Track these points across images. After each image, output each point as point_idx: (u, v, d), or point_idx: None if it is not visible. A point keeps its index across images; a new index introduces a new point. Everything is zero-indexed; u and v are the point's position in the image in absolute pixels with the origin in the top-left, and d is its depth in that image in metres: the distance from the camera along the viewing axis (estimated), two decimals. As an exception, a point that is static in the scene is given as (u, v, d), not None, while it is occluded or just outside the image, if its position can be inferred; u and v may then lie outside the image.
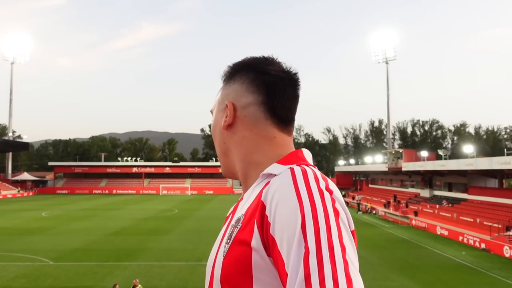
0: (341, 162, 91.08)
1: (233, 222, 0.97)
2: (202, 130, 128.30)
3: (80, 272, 19.36)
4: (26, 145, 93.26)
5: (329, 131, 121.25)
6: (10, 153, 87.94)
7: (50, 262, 21.38)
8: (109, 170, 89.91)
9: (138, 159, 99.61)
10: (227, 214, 1.14)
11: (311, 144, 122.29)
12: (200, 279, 18.39)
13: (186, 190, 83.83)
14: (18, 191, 77.09)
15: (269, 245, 0.83)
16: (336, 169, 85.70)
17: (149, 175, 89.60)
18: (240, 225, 0.91)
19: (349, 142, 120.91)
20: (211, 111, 1.19)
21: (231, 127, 1.08)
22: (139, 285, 13.47)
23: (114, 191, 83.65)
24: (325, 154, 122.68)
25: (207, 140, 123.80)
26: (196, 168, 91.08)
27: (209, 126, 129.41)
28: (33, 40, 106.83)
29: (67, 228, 33.61)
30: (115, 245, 26.07)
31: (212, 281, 0.96)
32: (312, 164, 1.03)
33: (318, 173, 0.92)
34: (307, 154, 1.08)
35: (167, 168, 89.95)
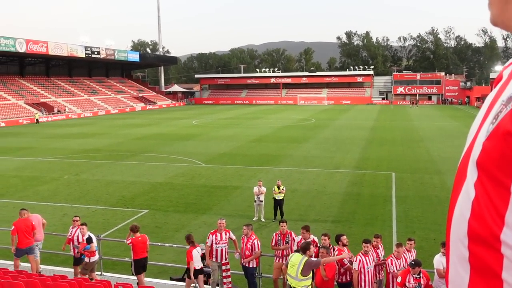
0: (498, 67, 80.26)
1: (504, 98, 0.77)
2: (338, 38, 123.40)
3: (228, 174, 21.19)
4: (174, 59, 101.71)
5: (485, 32, 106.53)
6: (162, 67, 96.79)
7: (202, 164, 23.76)
8: (248, 81, 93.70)
9: (276, 69, 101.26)
10: (499, 74, 0.92)
11: (463, 48, 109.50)
12: (337, 185, 18.70)
13: (323, 100, 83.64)
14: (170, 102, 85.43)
15: None
16: (492, 76, 76.09)
17: (286, 86, 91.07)
18: (510, 107, 0.73)
19: (511, 44, 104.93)
20: None
21: None
22: (282, 185, 14.42)
23: (254, 101, 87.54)
24: (478, 59, 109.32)
25: (344, 48, 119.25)
26: (332, 77, 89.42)
27: (346, 33, 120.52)
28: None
29: (214, 134, 36.65)
30: (258, 151, 27.70)
31: (467, 160, 0.82)
32: None
33: None
34: None
35: (304, 78, 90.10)
